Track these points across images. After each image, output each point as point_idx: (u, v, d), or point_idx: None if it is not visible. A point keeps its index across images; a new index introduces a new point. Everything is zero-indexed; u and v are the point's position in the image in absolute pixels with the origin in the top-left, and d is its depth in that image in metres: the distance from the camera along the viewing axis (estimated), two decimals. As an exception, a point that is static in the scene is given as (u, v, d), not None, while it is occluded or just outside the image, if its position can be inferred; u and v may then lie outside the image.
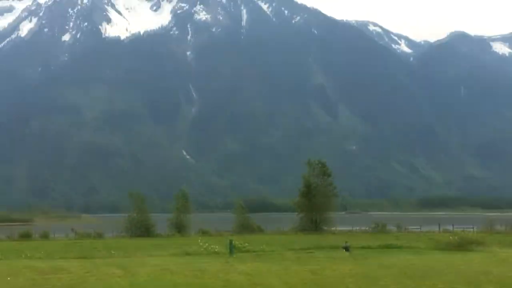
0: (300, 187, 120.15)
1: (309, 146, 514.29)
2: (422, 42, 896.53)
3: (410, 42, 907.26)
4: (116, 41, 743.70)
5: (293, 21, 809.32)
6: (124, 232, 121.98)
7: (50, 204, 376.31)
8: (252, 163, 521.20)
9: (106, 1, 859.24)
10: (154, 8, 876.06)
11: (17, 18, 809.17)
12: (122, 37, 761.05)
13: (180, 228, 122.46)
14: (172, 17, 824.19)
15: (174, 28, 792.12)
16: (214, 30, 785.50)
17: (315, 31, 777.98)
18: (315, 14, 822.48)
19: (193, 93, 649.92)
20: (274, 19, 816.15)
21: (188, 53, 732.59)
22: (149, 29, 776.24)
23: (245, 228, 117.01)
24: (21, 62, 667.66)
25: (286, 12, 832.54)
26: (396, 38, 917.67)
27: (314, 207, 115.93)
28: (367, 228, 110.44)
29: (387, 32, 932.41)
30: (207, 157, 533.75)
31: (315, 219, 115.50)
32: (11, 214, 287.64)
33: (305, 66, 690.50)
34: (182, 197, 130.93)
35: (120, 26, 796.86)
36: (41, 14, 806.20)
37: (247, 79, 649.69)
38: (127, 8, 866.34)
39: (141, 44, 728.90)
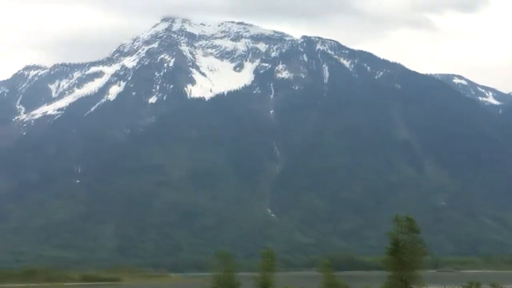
0: (387, 244, 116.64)
1: (393, 202, 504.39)
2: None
3: (498, 94, 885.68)
4: (199, 101, 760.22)
5: (376, 77, 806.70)
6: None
7: (137, 263, 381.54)
8: (336, 219, 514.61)
9: (190, 64, 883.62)
10: (237, 68, 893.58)
11: (106, 82, 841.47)
12: (206, 97, 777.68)
13: (266, 286, 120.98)
14: (254, 77, 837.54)
15: (257, 87, 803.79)
16: (296, 87, 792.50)
17: (398, 86, 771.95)
18: (398, 69, 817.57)
19: (277, 151, 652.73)
20: (356, 75, 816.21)
21: (271, 111, 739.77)
22: (232, 89, 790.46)
23: (331, 287, 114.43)
24: (109, 124, 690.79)
25: (368, 68, 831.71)
26: (483, 90, 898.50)
27: (402, 265, 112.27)
28: (459, 287, 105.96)
29: (473, 84, 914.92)
30: (290, 214, 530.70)
31: (404, 278, 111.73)
32: (99, 273, 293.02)
33: (388, 121, 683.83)
34: (267, 255, 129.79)
35: (204, 87, 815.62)
36: (129, 78, 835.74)
37: (329, 135, 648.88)
38: (210, 70, 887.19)
39: (224, 103, 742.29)
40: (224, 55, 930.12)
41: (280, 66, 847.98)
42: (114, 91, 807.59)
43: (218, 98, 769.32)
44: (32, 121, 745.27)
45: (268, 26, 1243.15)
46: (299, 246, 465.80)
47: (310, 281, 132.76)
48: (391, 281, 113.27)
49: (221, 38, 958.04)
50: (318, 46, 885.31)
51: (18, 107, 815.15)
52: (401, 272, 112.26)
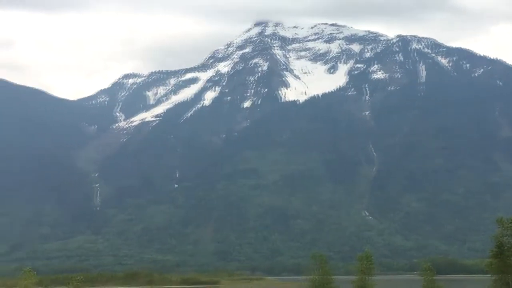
0: (490, 247, 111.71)
1: (496, 203, 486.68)
2: None
3: None
4: (293, 105, 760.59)
5: (476, 74, 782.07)
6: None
7: (235, 267, 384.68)
8: (436, 222, 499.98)
9: (283, 67, 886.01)
10: (331, 70, 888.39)
11: (201, 88, 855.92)
12: (300, 100, 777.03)
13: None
14: (348, 78, 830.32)
15: (352, 89, 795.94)
16: (391, 88, 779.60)
17: (500, 83, 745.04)
18: (498, 65, 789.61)
19: (373, 152, 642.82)
20: (454, 73, 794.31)
21: (366, 112, 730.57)
22: (326, 91, 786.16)
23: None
24: (205, 129, 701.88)
25: (467, 65, 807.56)
26: None
27: (508, 268, 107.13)
28: None
29: None
30: (388, 217, 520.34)
31: (509, 282, 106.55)
32: (199, 276, 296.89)
33: (489, 119, 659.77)
34: (365, 258, 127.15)
35: (298, 90, 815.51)
36: (223, 83, 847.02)
37: (426, 135, 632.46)
38: (304, 72, 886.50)
39: (318, 106, 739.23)
40: (318, 57, 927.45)
41: (375, 67, 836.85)
42: (209, 96, 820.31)
43: (312, 101, 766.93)
44: (131, 128, 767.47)
45: (361, 26, 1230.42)
46: (399, 250, 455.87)
47: (411, 285, 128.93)
48: (495, 285, 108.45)
49: (314, 40, 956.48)
50: (414, 45, 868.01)
51: (117, 114, 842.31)
52: (506, 275, 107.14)
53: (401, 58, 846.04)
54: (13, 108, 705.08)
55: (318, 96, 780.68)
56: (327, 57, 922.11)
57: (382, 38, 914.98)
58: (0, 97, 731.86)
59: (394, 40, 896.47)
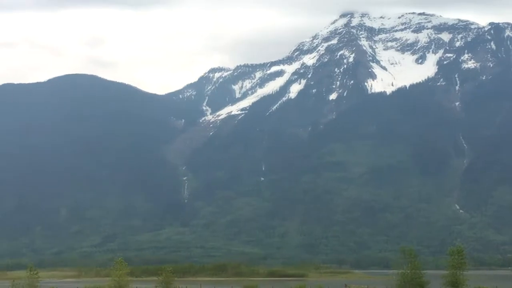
0: None
1: None
2: None
3: None
4: (380, 96, 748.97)
5: None
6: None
7: (321, 260, 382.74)
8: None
9: (370, 58, 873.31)
10: (420, 60, 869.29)
11: (287, 81, 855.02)
12: (387, 91, 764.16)
13: (456, 285, 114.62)
14: (437, 68, 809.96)
15: (441, 79, 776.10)
16: (483, 77, 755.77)
17: None
18: None
19: (464, 144, 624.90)
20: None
21: (457, 103, 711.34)
22: (414, 82, 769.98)
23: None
24: (291, 122, 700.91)
25: None
26: None
27: None
28: None
29: None
30: (481, 210, 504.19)
31: None
32: (286, 269, 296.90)
33: None
34: (456, 252, 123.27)
35: (385, 81, 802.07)
36: (309, 75, 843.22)
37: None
38: (391, 63, 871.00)
39: (406, 97, 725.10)
40: (405, 47, 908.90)
41: (466, 56, 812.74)
42: (295, 89, 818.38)
43: (400, 92, 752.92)
44: (218, 122, 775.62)
45: (451, 15, 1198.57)
46: (491, 244, 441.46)
47: (505, 280, 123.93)
48: None
49: (402, 30, 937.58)
50: (507, 33, 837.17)
51: (204, 108, 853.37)
52: None
53: (494, 47, 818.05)
54: (104, 104, 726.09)
55: (406, 87, 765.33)
56: (415, 47, 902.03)
57: (473, 26, 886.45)
58: (93, 93, 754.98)
59: (486, 28, 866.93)
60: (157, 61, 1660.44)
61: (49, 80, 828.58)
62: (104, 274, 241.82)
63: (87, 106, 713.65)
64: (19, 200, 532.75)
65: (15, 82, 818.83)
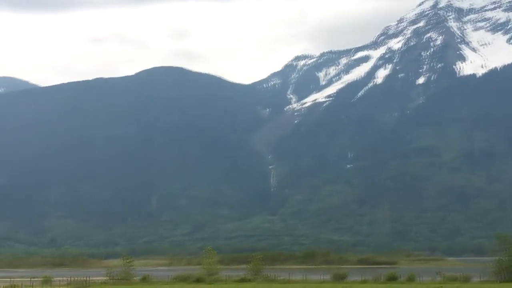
0: None
1: None
2: None
3: None
4: (471, 79, 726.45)
5: None
6: (493, 276, 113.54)
7: (412, 247, 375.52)
8: None
9: (459, 40, 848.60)
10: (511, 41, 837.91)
11: (373, 66, 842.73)
12: (478, 74, 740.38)
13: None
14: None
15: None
16: None
17: None
18: None
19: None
20: None
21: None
22: (506, 63, 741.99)
23: None
24: (377, 108, 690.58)
25: None
26: None
27: None
28: None
29: None
30: None
31: None
32: (376, 256, 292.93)
33: None
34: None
35: (475, 63, 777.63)
36: (395, 60, 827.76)
37: None
38: (481, 44, 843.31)
39: (498, 79, 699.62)
40: (497, 27, 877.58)
41: None
42: (381, 74, 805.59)
43: (492, 74, 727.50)
44: (303, 109, 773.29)
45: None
46: None
47: None
48: None
49: (492, 10, 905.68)
50: None
51: (289, 96, 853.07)
52: None
53: None
54: (191, 95, 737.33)
55: (498, 68, 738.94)
56: (506, 27, 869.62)
57: None
58: (179, 84, 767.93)
59: None
60: (242, 51, 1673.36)
61: (137, 74, 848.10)
62: (195, 263, 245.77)
63: (174, 98, 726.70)
64: (113, 192, 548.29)
65: (106, 76, 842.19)
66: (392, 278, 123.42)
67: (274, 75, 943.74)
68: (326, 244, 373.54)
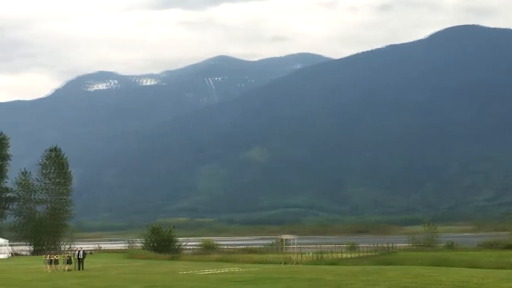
0: None
1: None
2: None
3: None
4: None
5: None
6: None
7: None
8: None
9: None
10: None
11: None
12: None
13: None
14: None
15: None
16: None
17: None
18: None
19: None
20: None
21: None
22: None
23: None
24: None
25: None
26: None
27: None
28: None
29: None
30: None
31: None
32: None
33: None
34: None
35: None
36: None
37: None
38: None
39: None
40: None
41: None
42: None
43: None
44: None
45: None
46: None
47: None
48: None
49: None
50: None
51: None
52: None
53: None
54: (484, 52, 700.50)
55: None
56: None
57: None
58: (473, 43, 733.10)
59: None
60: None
61: (430, 36, 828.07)
62: (501, 229, 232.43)
63: (468, 56, 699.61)
64: (410, 158, 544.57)
65: (397, 42, 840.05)
66: None
67: None
68: None
